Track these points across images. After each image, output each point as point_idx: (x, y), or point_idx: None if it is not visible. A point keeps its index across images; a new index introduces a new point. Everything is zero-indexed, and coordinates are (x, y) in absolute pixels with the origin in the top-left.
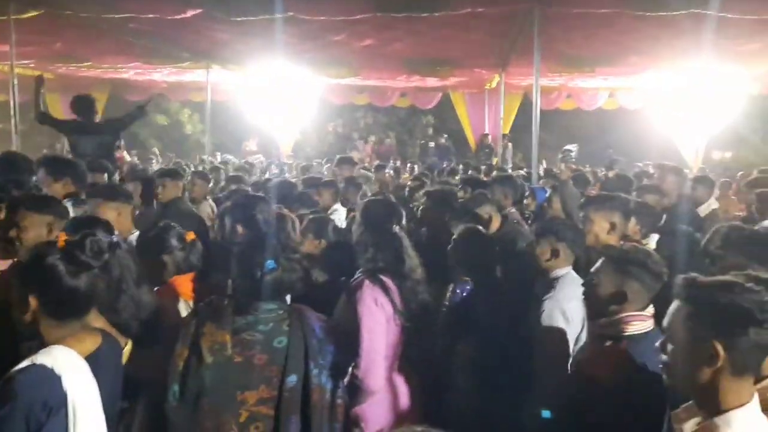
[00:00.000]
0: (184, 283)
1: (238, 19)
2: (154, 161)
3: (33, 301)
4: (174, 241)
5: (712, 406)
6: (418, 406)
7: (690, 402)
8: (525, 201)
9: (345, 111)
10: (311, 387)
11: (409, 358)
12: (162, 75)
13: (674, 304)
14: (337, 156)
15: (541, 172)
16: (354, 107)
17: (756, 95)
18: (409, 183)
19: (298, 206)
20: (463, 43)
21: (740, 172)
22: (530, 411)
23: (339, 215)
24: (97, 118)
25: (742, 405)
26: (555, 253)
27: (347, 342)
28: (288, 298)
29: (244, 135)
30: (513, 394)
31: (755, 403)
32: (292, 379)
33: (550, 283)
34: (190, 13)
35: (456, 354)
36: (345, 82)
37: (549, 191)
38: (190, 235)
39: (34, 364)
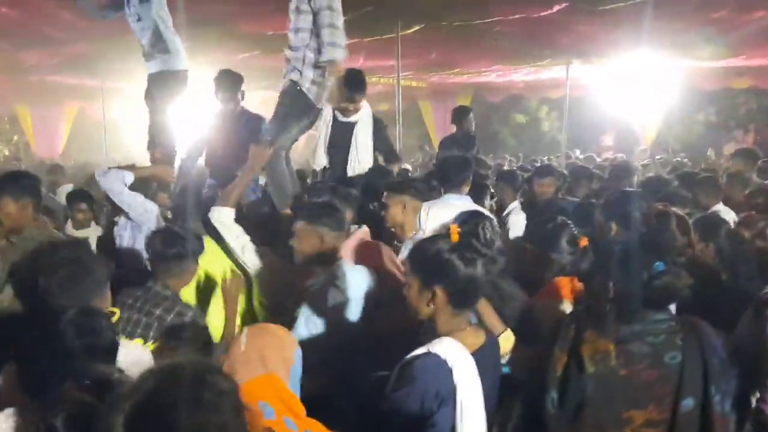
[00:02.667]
0: (566, 284)
1: (606, 8)
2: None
3: (440, 292)
4: (564, 243)
5: None
6: None
7: None
8: None
9: (719, 97)
10: (712, 415)
11: None
12: (521, 75)
13: None
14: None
15: None
16: (732, 92)
17: None
18: None
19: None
20: None
21: None
22: None
23: (725, 216)
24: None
25: None
26: None
27: (753, 366)
28: (672, 307)
29: (601, 130)
30: None
31: None
32: (688, 403)
33: None
34: (556, 8)
35: None
36: (720, 65)
37: None
38: (584, 241)
39: (430, 353)
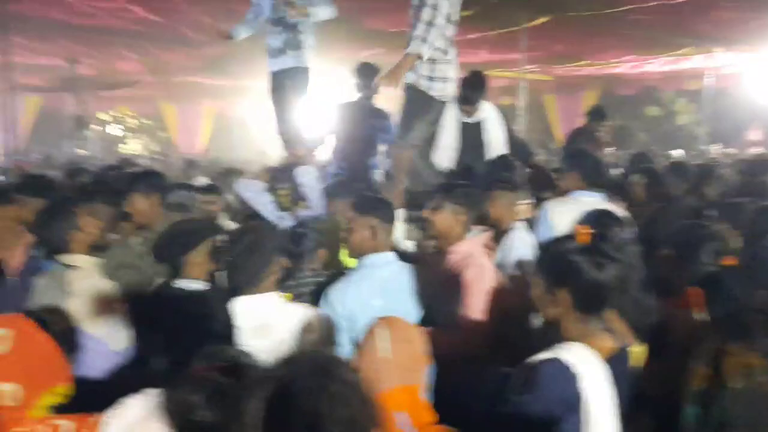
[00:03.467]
0: (701, 294)
1: None
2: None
3: (563, 295)
4: (707, 255)
5: None
6: None
7: None
8: None
9: None
10: None
11: None
12: (656, 66)
13: None
14: None
15: None
16: None
17: None
18: None
19: None
20: None
21: None
22: None
23: None
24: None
25: None
26: None
27: None
28: None
29: (747, 124)
30: None
31: None
32: None
33: None
34: None
35: None
36: None
37: None
38: (729, 260)
39: (556, 358)
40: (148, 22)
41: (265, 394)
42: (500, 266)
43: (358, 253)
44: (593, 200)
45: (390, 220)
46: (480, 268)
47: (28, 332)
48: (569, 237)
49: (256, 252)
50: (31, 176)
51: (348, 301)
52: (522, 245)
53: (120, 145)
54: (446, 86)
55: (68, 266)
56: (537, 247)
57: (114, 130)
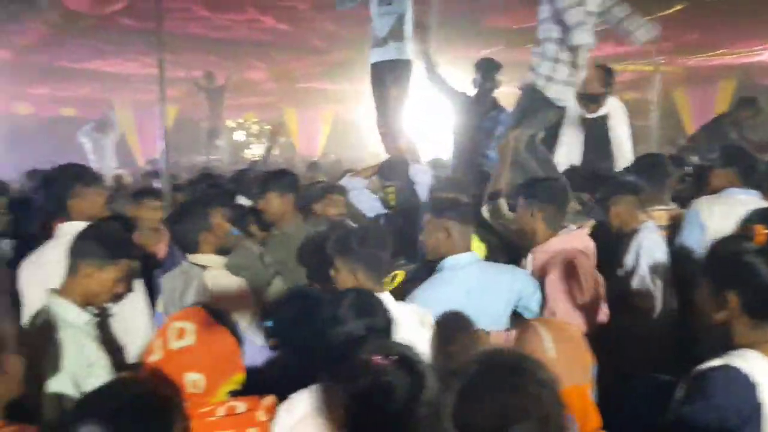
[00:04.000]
0: None
1: None
2: None
3: (733, 299)
4: None
5: None
6: None
7: None
8: None
9: None
10: None
11: None
12: None
13: None
14: None
15: None
16: None
17: None
18: None
19: None
20: None
21: None
22: None
23: None
24: None
25: None
26: None
27: None
28: None
29: None
30: None
31: None
32: None
33: None
34: None
35: None
36: None
37: None
38: None
39: (729, 365)
40: (277, 31)
41: (458, 388)
42: (629, 269)
43: (434, 256)
44: (749, 198)
45: (467, 220)
46: (571, 265)
47: (209, 325)
48: (743, 236)
49: (380, 252)
50: (205, 175)
51: (434, 306)
52: (653, 246)
53: (245, 151)
54: (565, 90)
55: (199, 266)
56: (685, 248)
57: (239, 136)
